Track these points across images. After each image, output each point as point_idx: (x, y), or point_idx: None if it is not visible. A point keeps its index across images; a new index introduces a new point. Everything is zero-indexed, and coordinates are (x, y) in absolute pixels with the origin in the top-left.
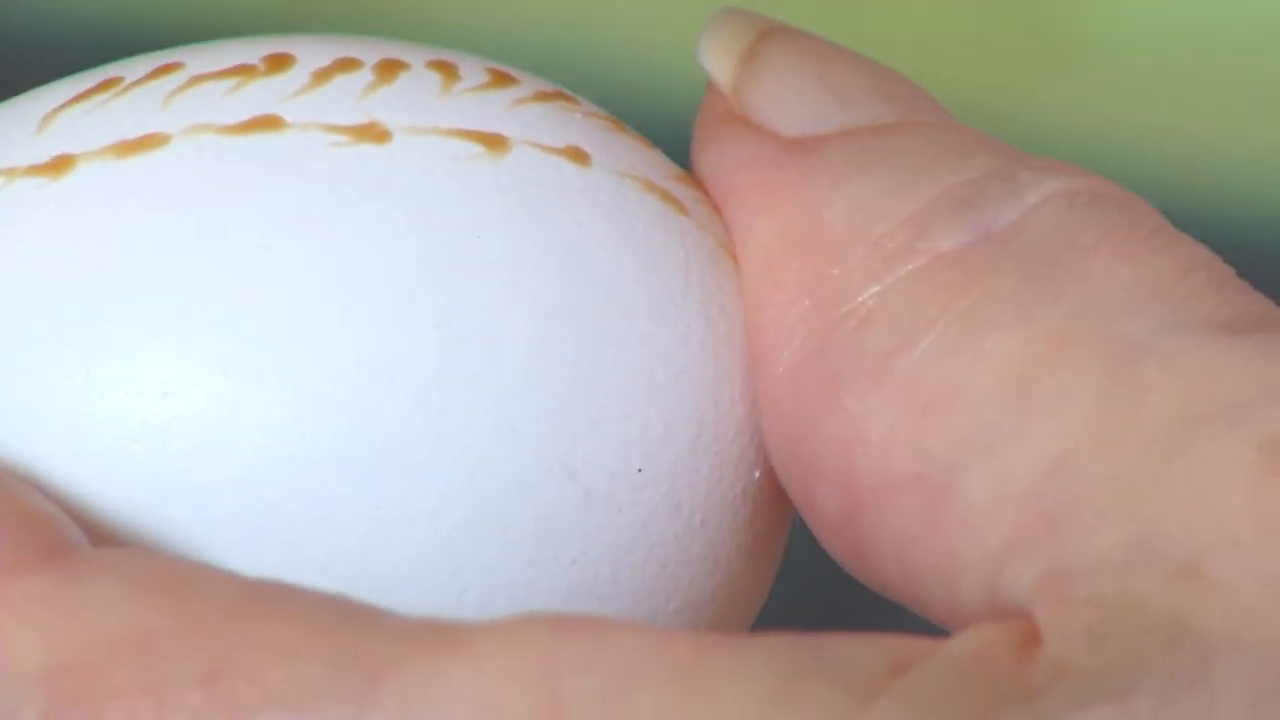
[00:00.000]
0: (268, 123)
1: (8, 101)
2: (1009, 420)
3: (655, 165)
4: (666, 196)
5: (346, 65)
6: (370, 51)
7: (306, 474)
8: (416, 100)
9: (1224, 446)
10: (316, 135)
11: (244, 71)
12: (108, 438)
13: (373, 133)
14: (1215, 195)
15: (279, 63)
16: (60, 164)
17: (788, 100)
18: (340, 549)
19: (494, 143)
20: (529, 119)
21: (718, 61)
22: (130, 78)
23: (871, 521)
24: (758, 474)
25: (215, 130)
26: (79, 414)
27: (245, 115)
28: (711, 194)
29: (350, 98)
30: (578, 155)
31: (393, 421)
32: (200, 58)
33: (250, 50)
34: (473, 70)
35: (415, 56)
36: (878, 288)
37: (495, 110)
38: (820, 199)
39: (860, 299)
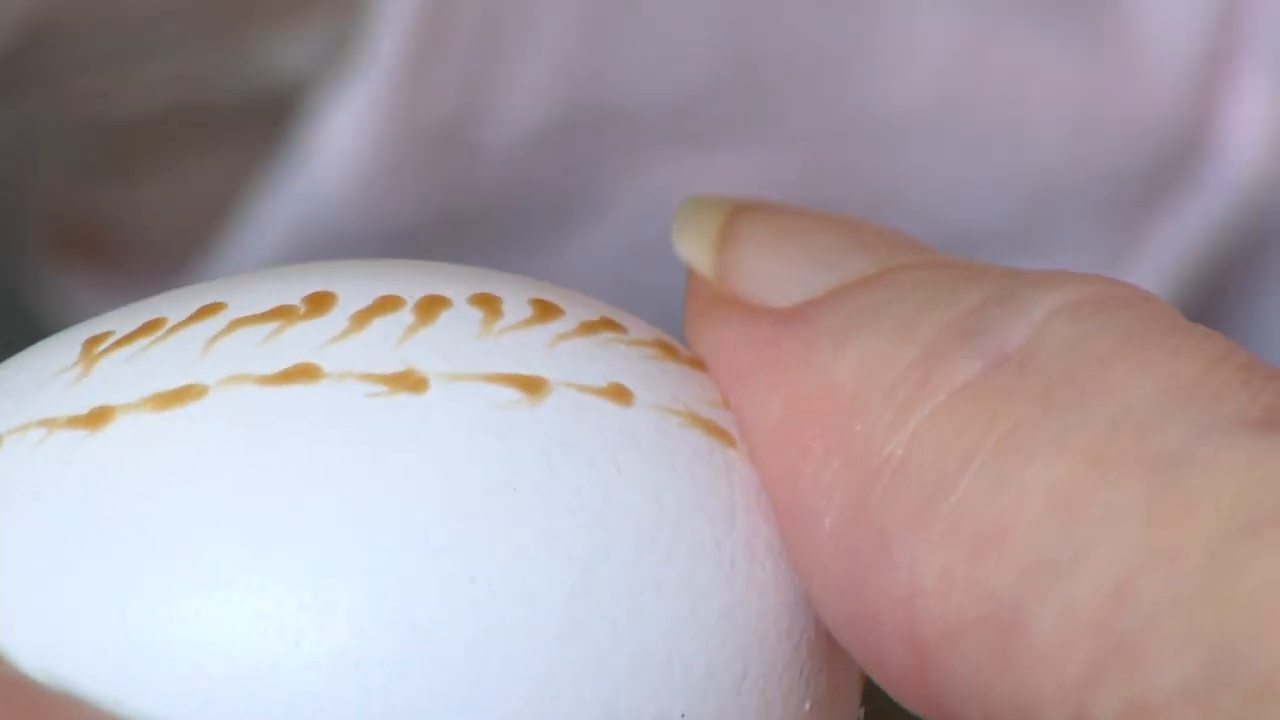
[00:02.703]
0: (305, 372)
1: (52, 338)
2: (1064, 550)
3: (702, 393)
4: (711, 428)
5: (387, 305)
6: (413, 285)
7: None
8: (455, 343)
9: None
10: (353, 385)
11: (284, 314)
12: (148, 699)
13: (409, 381)
14: None
15: (319, 303)
16: (99, 416)
17: (771, 273)
18: None
19: (532, 387)
20: (570, 357)
21: (695, 250)
22: (173, 319)
23: (943, 670)
24: (808, 706)
25: (253, 380)
26: (116, 670)
27: (283, 364)
28: (714, 377)
29: (389, 343)
30: (619, 393)
31: (428, 678)
32: (242, 295)
33: (293, 285)
34: (516, 303)
35: (459, 289)
36: (903, 435)
37: (535, 350)
38: (825, 364)
39: (888, 449)
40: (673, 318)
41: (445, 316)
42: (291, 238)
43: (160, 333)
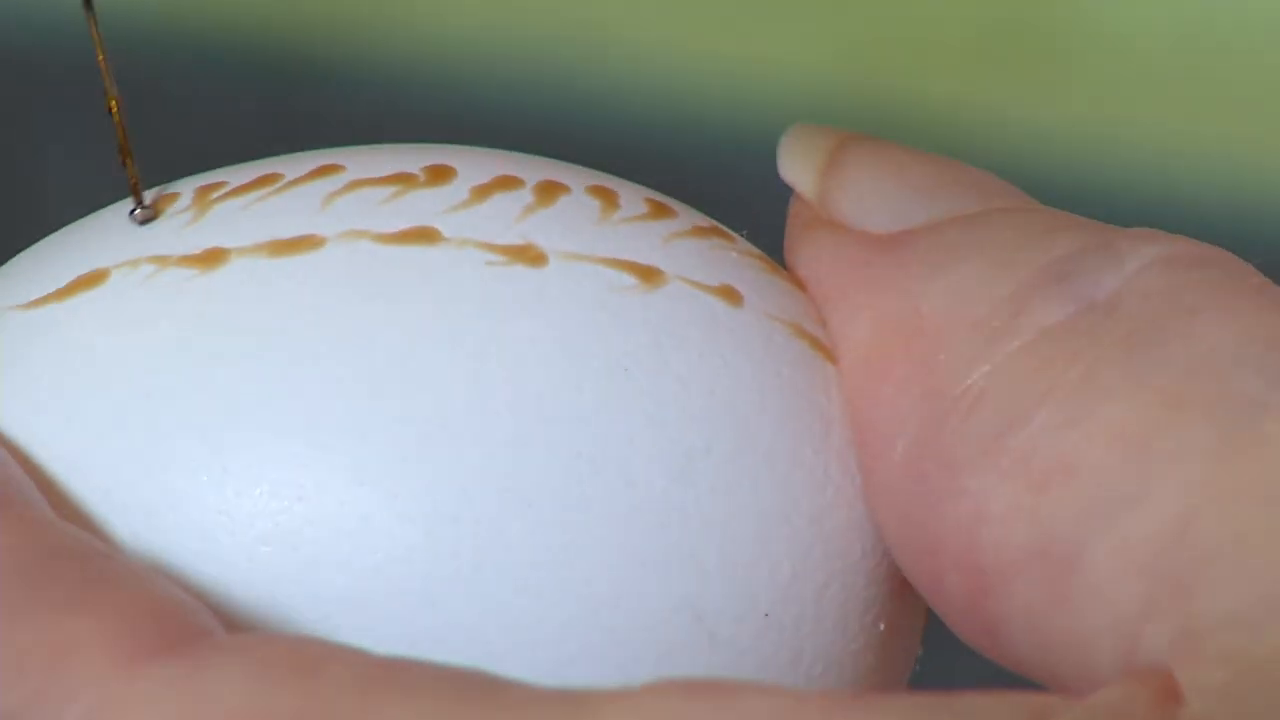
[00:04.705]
0: (424, 235)
1: (164, 185)
2: (1129, 486)
3: (806, 310)
4: (815, 343)
5: (507, 183)
6: (531, 170)
7: (431, 591)
8: (574, 226)
9: None
10: (472, 252)
11: (404, 180)
12: (238, 537)
13: (529, 255)
14: (1210, 199)
15: (439, 174)
16: (213, 257)
17: (874, 200)
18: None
19: (649, 275)
20: (684, 254)
21: (800, 173)
22: (290, 175)
23: (1000, 600)
24: (882, 627)
25: (371, 237)
26: (212, 511)
27: (402, 225)
28: (811, 297)
29: (508, 217)
30: (730, 295)
31: (521, 547)
32: (360, 161)
33: (411, 158)
34: (632, 199)
35: (576, 180)
36: (986, 368)
37: (651, 242)
38: (917, 290)
39: (969, 381)
40: None
41: (564, 201)
42: None
43: (276, 186)
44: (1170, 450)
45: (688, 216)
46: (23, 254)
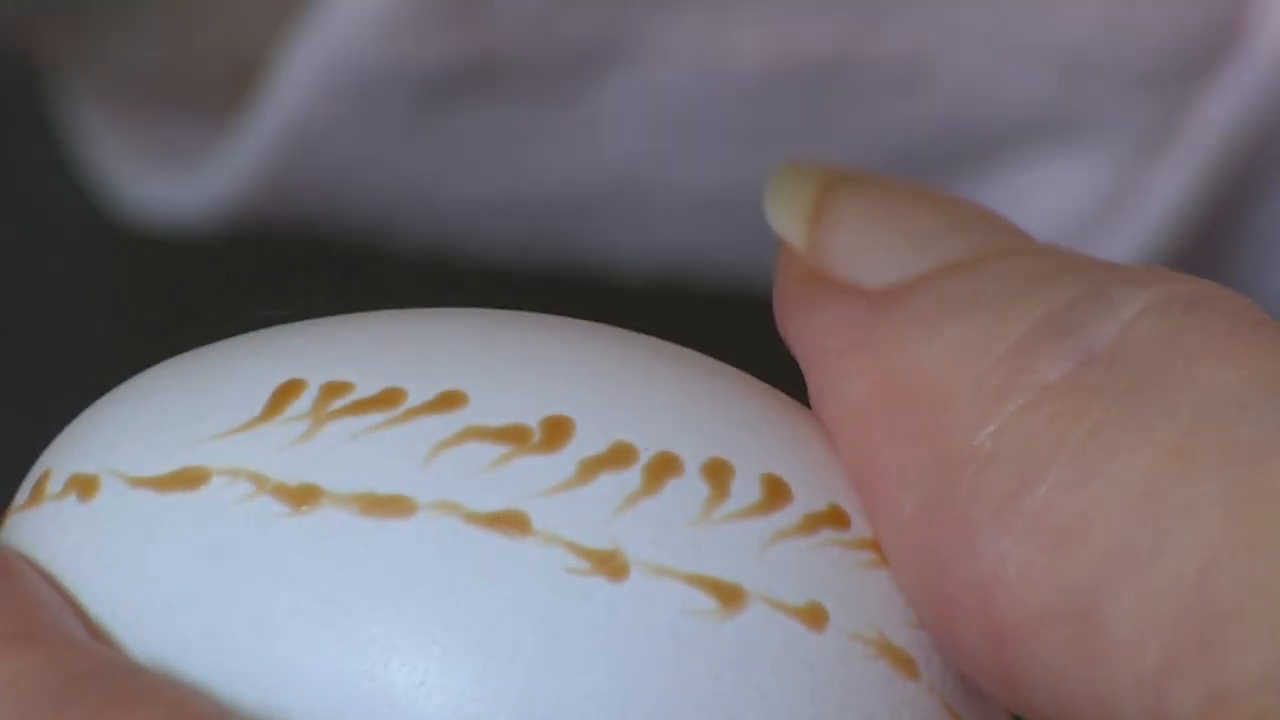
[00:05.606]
0: (514, 522)
1: (291, 355)
2: (1144, 542)
3: (902, 611)
4: (899, 659)
5: (619, 457)
6: (653, 426)
7: None
8: (668, 526)
9: None
10: (556, 553)
11: (517, 437)
12: None
13: (612, 565)
14: None
15: (555, 433)
16: (307, 495)
17: (864, 253)
18: None
19: (729, 598)
20: (779, 561)
21: (788, 223)
22: (413, 396)
23: (1020, 657)
24: None
25: (462, 515)
26: None
27: (496, 505)
28: (799, 356)
29: (606, 510)
30: (814, 615)
31: None
32: (485, 387)
33: (535, 394)
34: (747, 477)
35: (696, 444)
36: (992, 428)
37: (748, 548)
38: (917, 351)
39: (977, 441)
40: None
41: (671, 487)
42: (321, 79)
43: (396, 411)
44: (1182, 504)
45: (803, 497)
46: (148, 397)
